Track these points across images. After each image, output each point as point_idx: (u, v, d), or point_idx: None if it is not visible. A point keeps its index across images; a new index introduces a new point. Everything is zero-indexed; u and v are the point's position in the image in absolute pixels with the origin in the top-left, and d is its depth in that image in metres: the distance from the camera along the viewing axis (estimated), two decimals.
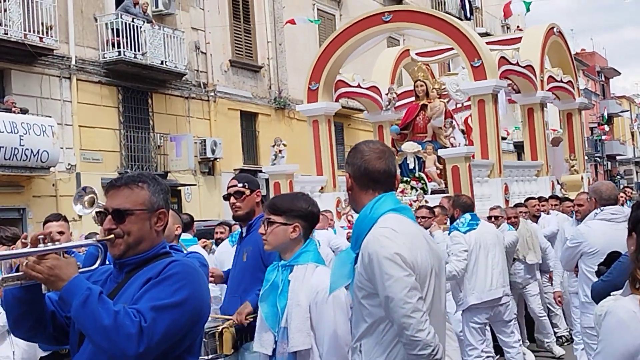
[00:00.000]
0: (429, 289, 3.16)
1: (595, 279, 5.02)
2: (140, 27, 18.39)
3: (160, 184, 3.03)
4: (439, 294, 3.27)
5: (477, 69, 12.98)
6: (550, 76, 15.52)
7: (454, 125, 13.42)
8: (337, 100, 15.01)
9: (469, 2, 34.36)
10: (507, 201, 12.55)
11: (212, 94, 21.37)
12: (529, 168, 14.96)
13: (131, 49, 18.09)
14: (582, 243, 6.09)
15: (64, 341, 2.99)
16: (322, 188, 14.04)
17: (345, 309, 3.87)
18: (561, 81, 16.04)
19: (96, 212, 3.01)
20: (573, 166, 16.20)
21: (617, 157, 61.55)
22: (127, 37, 18.02)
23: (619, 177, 59.08)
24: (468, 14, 33.78)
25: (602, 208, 6.11)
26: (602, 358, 2.78)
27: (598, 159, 56.89)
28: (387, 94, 15.47)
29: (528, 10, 20.58)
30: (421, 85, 13.98)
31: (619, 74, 65.15)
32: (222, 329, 4.87)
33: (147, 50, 18.44)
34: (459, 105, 15.20)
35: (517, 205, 10.73)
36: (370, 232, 3.21)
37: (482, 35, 17.52)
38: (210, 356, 4.87)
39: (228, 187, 5.26)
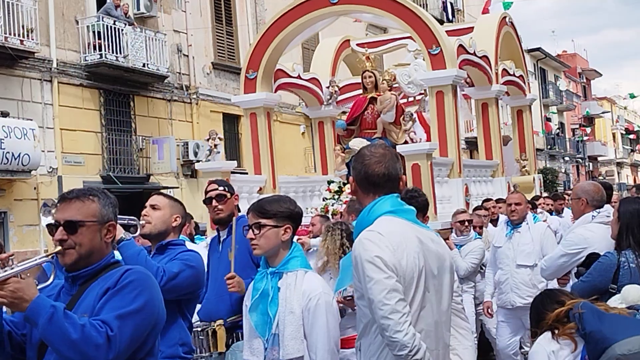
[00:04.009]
0: (417, 291, 3.19)
1: None
2: (122, 30, 18.33)
3: (109, 197, 3.16)
4: (439, 294, 3.30)
5: (435, 57, 11.58)
6: (504, 69, 14.37)
7: (415, 118, 12.03)
8: (276, 92, 13.27)
9: (451, 4, 34.53)
10: (467, 204, 11.44)
11: (195, 96, 21.32)
12: (486, 168, 13.67)
13: (113, 52, 18.03)
14: (586, 249, 5.56)
15: (22, 358, 3.09)
16: (260, 189, 12.19)
17: (336, 314, 3.92)
18: (514, 75, 14.94)
19: (47, 225, 3.12)
20: (524, 167, 15.09)
21: (599, 158, 62.04)
22: (108, 40, 17.96)
23: (601, 177, 59.47)
24: (450, 16, 33.97)
25: (598, 210, 5.77)
26: None
27: (580, 159, 57.27)
28: (328, 87, 13.89)
29: (507, 8, 20.53)
30: (370, 77, 12.25)
31: (600, 75, 65.61)
32: (216, 326, 4.91)
33: (129, 53, 18.39)
34: (410, 99, 13.97)
35: (476, 209, 9.94)
36: (359, 235, 3.29)
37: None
38: (204, 354, 4.90)
39: (207, 192, 5.31)
